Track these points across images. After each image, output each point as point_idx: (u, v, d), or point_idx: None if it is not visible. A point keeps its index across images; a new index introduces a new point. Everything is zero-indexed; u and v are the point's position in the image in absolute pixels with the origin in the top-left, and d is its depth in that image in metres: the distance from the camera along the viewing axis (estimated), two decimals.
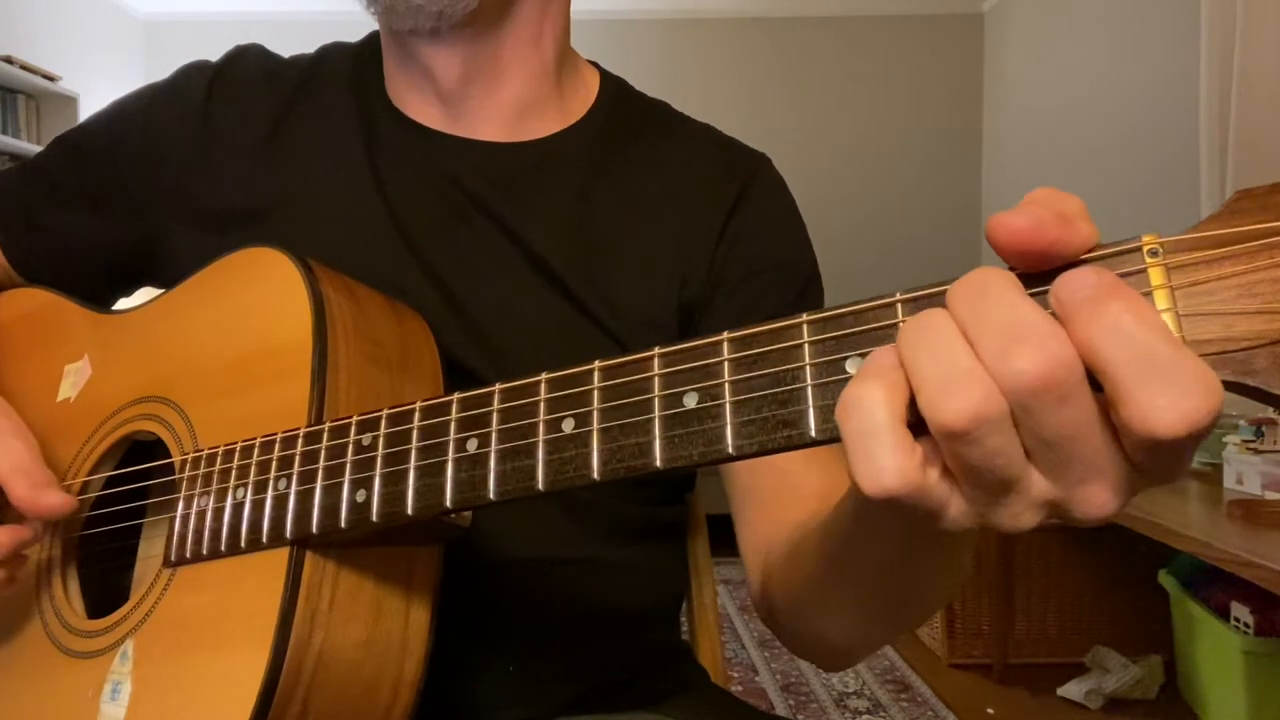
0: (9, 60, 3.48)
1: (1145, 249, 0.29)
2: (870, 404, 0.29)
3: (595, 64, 0.76)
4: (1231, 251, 0.28)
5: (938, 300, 0.31)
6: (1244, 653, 1.85)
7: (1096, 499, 0.29)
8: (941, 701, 2.26)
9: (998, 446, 0.28)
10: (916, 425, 0.29)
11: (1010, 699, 2.28)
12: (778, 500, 0.61)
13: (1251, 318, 0.27)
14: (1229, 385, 0.28)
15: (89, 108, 3.66)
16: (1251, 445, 1.90)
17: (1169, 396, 0.26)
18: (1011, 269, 0.31)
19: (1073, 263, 0.30)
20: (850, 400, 0.30)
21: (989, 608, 2.42)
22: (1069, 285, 0.28)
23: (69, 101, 3.82)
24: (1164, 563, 2.17)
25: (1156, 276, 0.29)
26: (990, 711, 2.21)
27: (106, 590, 0.60)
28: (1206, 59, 2.50)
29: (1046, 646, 2.44)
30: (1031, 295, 0.29)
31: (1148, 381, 0.26)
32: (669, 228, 0.67)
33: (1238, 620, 1.93)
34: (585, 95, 0.73)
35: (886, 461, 0.29)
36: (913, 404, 0.29)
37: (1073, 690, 2.23)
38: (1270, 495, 1.77)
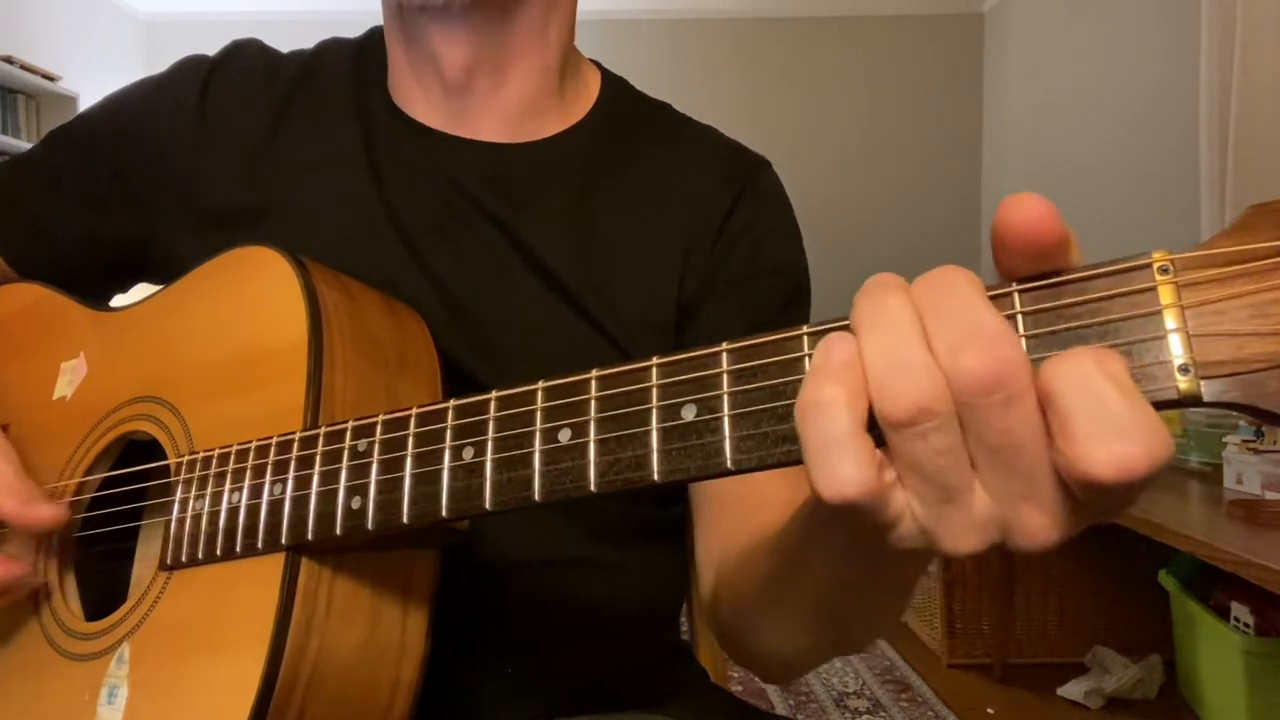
0: (9, 60, 3.48)
1: (1156, 266, 0.28)
2: (833, 410, 0.29)
3: (596, 63, 0.76)
4: (1244, 270, 0.27)
5: None
6: (1244, 653, 1.85)
7: (1034, 522, 0.29)
8: (941, 701, 2.26)
9: (942, 444, 0.28)
10: (873, 428, 0.29)
11: (1010, 699, 2.28)
12: (738, 507, 0.61)
13: (1264, 339, 0.27)
14: (1239, 407, 0.27)
15: None
16: (1251, 445, 1.90)
17: (1108, 444, 0.26)
18: (996, 264, 0.31)
19: (1069, 278, 0.30)
20: (809, 404, 0.29)
21: (989, 608, 2.42)
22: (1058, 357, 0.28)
23: (69, 101, 3.82)
24: (1164, 563, 2.17)
25: (1167, 295, 0.28)
26: (990, 711, 2.21)
27: (105, 591, 0.59)
28: (1206, 59, 2.49)
29: (1046, 646, 2.44)
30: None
31: (1095, 433, 0.26)
32: (668, 230, 0.67)
33: (1238, 620, 1.93)
34: (586, 96, 0.72)
35: (849, 469, 0.29)
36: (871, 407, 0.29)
37: (1073, 690, 2.23)
38: (1270, 495, 1.77)
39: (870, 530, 0.31)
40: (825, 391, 0.29)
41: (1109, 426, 0.26)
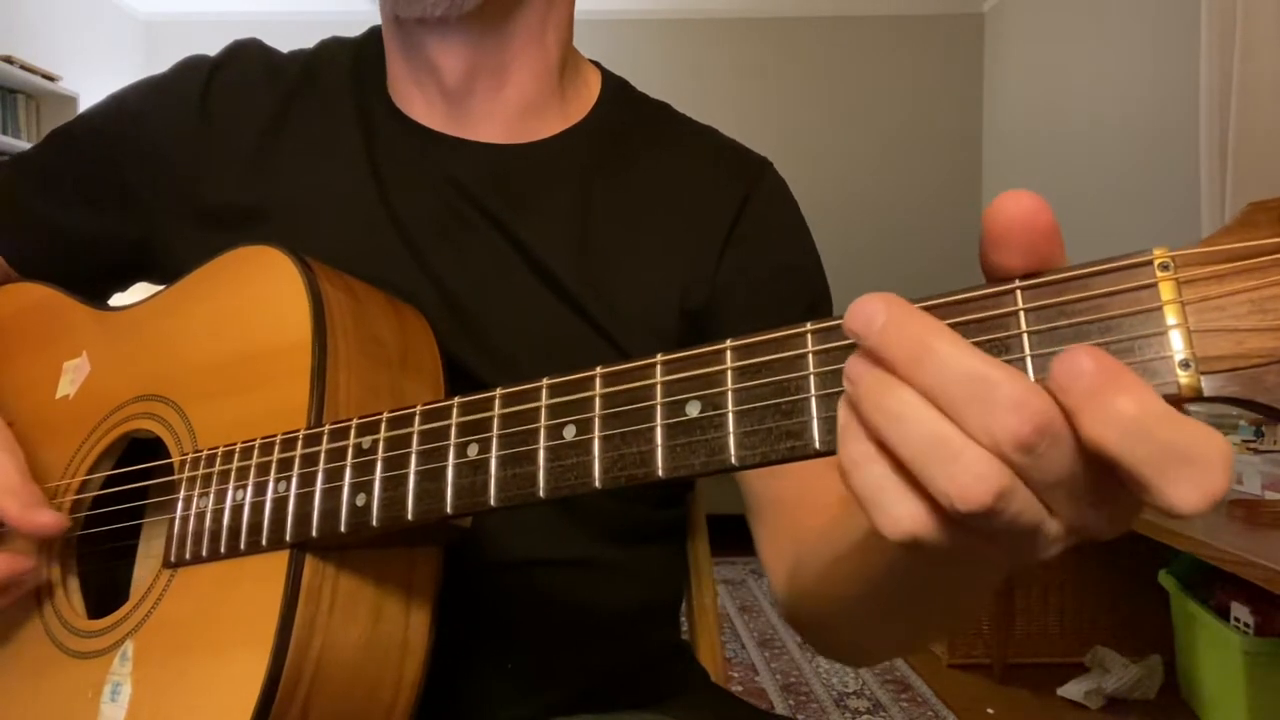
0: (9, 60, 3.48)
1: (1156, 263, 0.29)
2: (868, 465, 0.29)
3: (596, 63, 0.76)
4: (1244, 266, 0.27)
5: (941, 313, 0.30)
6: (1244, 653, 1.85)
7: (1104, 519, 0.29)
8: (941, 701, 2.26)
9: (1019, 509, 0.28)
10: None
11: (1010, 699, 2.28)
12: (799, 508, 0.61)
13: (1263, 334, 0.27)
14: (1239, 402, 0.27)
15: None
16: (1251, 445, 1.90)
17: (1189, 482, 0.25)
18: (1006, 278, 0.31)
19: (1070, 275, 0.30)
20: (847, 463, 0.30)
21: (989, 608, 2.42)
22: (1067, 372, 0.27)
23: (69, 101, 3.82)
24: (1164, 563, 2.17)
25: (1167, 291, 0.28)
26: (990, 711, 2.21)
27: (107, 589, 0.60)
28: (1206, 58, 2.49)
29: (1046, 646, 2.44)
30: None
31: (1167, 472, 0.26)
32: (671, 232, 0.67)
33: (1238, 620, 1.93)
34: (586, 96, 0.72)
35: (901, 510, 0.29)
36: None
37: (1073, 690, 2.23)
38: (1270, 495, 1.77)
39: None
40: (858, 449, 0.29)
41: (1187, 472, 0.25)
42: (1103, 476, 0.27)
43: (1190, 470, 0.25)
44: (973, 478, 0.27)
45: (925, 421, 0.28)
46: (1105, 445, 0.26)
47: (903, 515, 0.29)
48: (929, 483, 0.28)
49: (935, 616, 0.50)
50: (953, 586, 0.44)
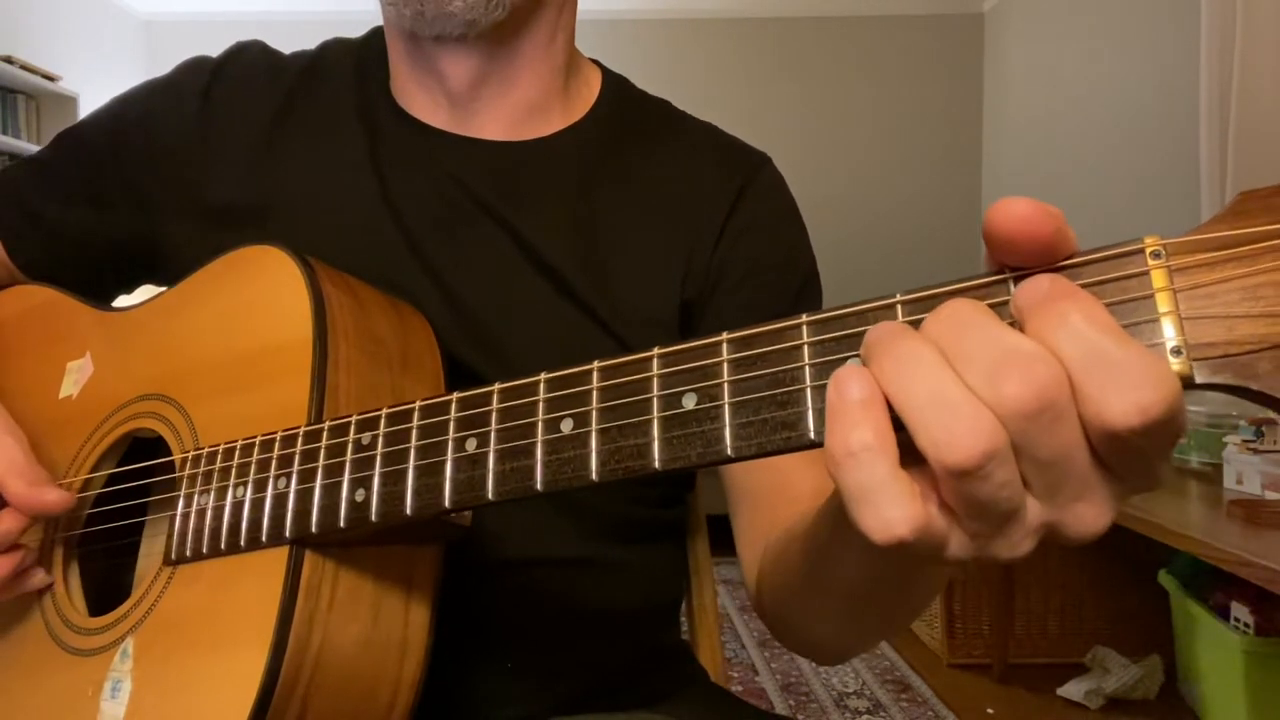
0: (9, 60, 3.48)
1: (1148, 251, 0.29)
2: (867, 457, 0.28)
3: (597, 62, 0.76)
4: (1235, 254, 0.28)
5: (938, 302, 0.31)
6: (1244, 653, 1.85)
7: (1088, 515, 0.29)
8: (941, 701, 2.26)
9: (1004, 479, 0.28)
10: (903, 456, 0.29)
11: (1010, 699, 2.28)
12: (773, 500, 0.62)
13: (1254, 321, 0.27)
14: (1231, 389, 0.27)
15: (89, 108, 3.64)
16: (1251, 445, 1.89)
17: (1119, 390, 0.26)
18: (1000, 270, 0.31)
19: (1063, 264, 0.30)
20: (841, 453, 0.29)
21: (989, 608, 2.42)
22: (1025, 291, 0.28)
23: (69, 101, 3.82)
24: (1164, 563, 2.17)
25: (1159, 279, 0.29)
26: (990, 711, 2.21)
27: (109, 587, 0.60)
28: (1206, 59, 2.49)
29: (1046, 646, 2.44)
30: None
31: (1098, 375, 0.26)
32: (671, 226, 0.68)
33: (1238, 620, 1.93)
34: (587, 94, 0.73)
35: (895, 513, 0.28)
36: (899, 439, 0.29)
37: (1073, 690, 2.23)
38: (1270, 495, 1.77)
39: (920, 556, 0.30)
40: (854, 438, 0.29)
41: (1116, 379, 0.26)
42: (1092, 467, 0.28)
43: (1119, 380, 0.26)
44: (967, 429, 0.27)
45: (934, 370, 0.28)
46: (1050, 346, 0.27)
47: (896, 519, 0.28)
48: (922, 430, 0.28)
49: (895, 614, 0.50)
50: (916, 585, 0.44)
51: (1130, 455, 0.28)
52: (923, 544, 0.29)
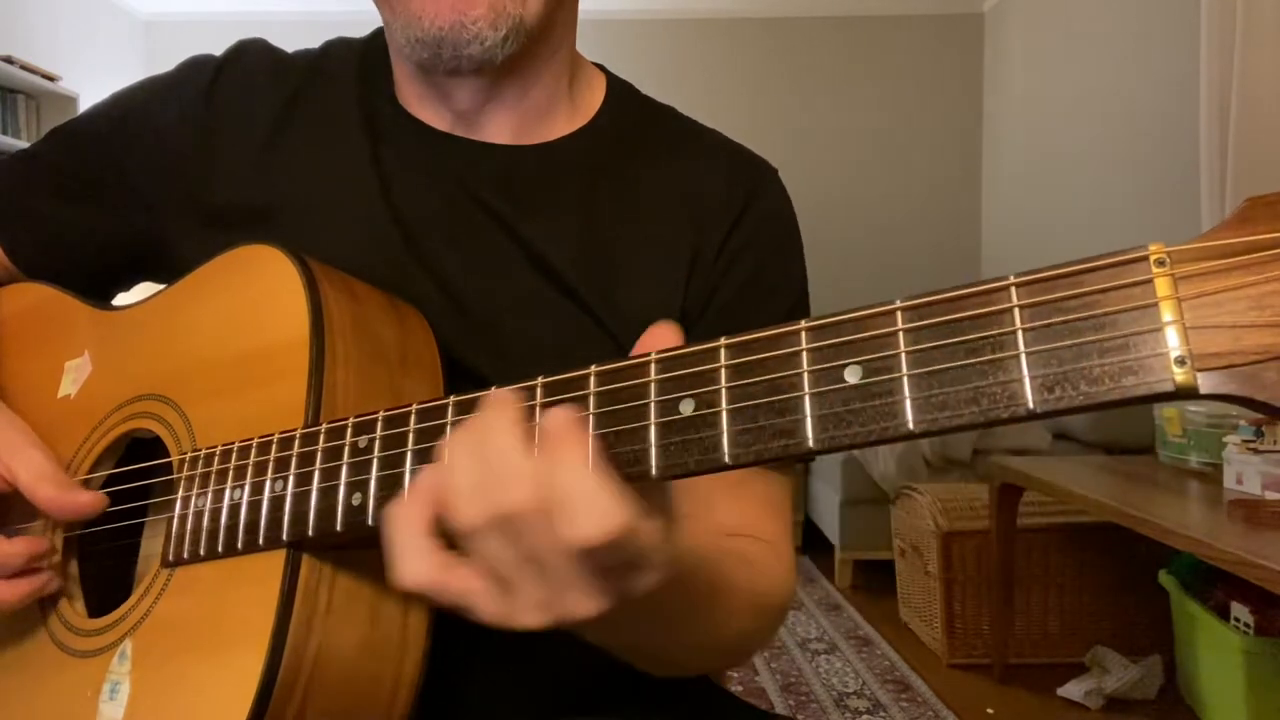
0: (9, 60, 3.48)
1: (1152, 259, 0.28)
2: (401, 521, 0.39)
3: (601, 66, 0.76)
4: (1241, 262, 0.27)
5: (937, 310, 0.31)
6: (1244, 653, 1.85)
7: (579, 602, 0.38)
8: (941, 701, 2.26)
9: (495, 549, 0.37)
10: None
11: (1010, 699, 2.28)
12: (693, 527, 0.61)
13: (1261, 330, 0.26)
14: (1237, 399, 0.27)
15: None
16: (1251, 445, 1.89)
17: (570, 522, 0.35)
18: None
19: (1066, 271, 0.30)
20: (389, 516, 0.40)
21: (989, 608, 2.42)
22: (548, 419, 0.37)
23: (69, 101, 3.82)
24: (1164, 563, 2.17)
25: (1163, 287, 0.28)
26: (990, 711, 2.21)
27: (109, 588, 0.60)
28: (1206, 60, 2.49)
29: (1046, 646, 2.44)
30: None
31: (560, 507, 0.35)
32: (674, 234, 0.67)
33: (1238, 620, 1.93)
34: (592, 98, 0.72)
35: (407, 565, 0.39)
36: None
37: (1073, 690, 2.23)
38: (1270, 495, 1.77)
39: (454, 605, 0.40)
40: (401, 507, 0.40)
41: (572, 514, 0.35)
42: (573, 566, 0.36)
43: (575, 515, 0.35)
44: (477, 510, 0.38)
45: (464, 467, 0.38)
46: (540, 477, 0.36)
47: (407, 569, 0.39)
48: (450, 510, 0.38)
49: (670, 651, 0.56)
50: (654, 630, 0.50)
51: (597, 564, 0.36)
52: (435, 595, 0.39)
